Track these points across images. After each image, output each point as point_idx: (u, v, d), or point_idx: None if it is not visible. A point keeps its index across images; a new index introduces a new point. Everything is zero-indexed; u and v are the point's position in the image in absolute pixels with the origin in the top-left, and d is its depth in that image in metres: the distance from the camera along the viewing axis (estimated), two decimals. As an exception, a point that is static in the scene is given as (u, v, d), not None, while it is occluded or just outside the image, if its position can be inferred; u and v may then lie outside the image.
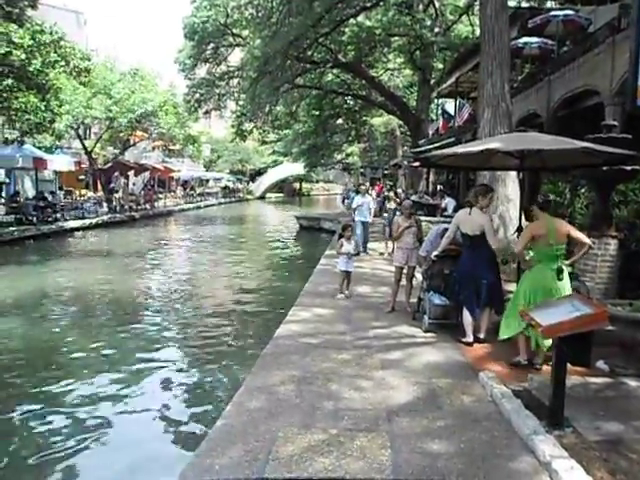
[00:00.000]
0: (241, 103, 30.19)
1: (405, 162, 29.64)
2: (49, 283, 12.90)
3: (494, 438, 3.97)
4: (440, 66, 25.41)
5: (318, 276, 10.74)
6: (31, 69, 14.75)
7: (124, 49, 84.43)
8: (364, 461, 3.59)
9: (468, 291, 6.19)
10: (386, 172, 40.27)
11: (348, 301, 8.36)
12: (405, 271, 7.91)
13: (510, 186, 10.61)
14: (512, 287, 6.62)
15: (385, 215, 14.62)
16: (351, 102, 33.97)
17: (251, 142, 50.46)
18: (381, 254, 13.27)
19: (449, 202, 17.67)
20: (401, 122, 31.68)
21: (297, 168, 52.59)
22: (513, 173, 10.31)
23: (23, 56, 14.11)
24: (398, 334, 6.75)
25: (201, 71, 31.33)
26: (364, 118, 36.31)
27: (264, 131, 37.78)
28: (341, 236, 8.71)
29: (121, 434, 5.31)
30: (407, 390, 4.89)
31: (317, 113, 32.53)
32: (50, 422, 5.51)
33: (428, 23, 22.08)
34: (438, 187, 23.73)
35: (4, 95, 15.66)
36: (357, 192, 16.02)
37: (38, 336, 8.50)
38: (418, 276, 8.05)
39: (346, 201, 30.98)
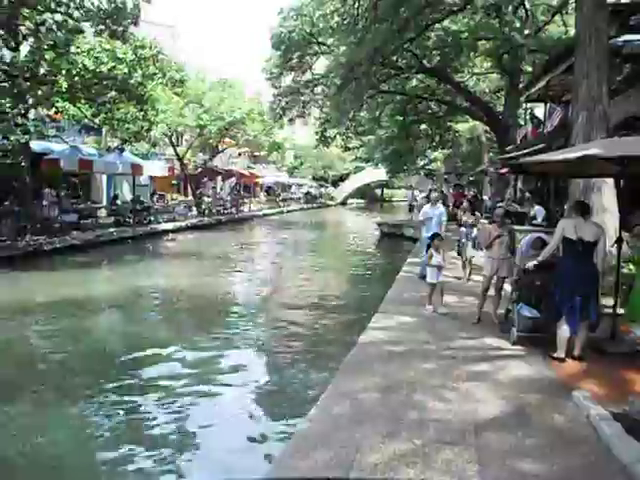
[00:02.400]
0: (325, 110, 30.55)
1: (491, 169, 28.70)
2: (142, 281, 13.68)
3: (591, 463, 3.77)
4: (529, 69, 24.43)
5: (401, 283, 10.65)
6: (132, 82, 15.78)
7: (213, 59, 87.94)
8: (450, 475, 3.53)
9: (571, 304, 5.81)
10: (471, 179, 39.21)
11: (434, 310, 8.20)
12: (494, 281, 7.66)
13: (607, 195, 9.98)
14: (606, 301, 6.27)
15: (462, 230, 11.30)
16: (435, 107, 33.37)
17: (334, 148, 50.89)
18: (458, 279, 10.92)
19: (538, 210, 16.91)
20: (487, 128, 30.75)
21: (379, 174, 52.41)
22: (610, 181, 9.70)
23: (126, 70, 15.14)
24: (484, 346, 6.57)
25: (287, 79, 32.03)
26: (449, 124, 35.57)
27: (347, 137, 37.98)
28: (429, 246, 8.44)
29: (204, 432, 5.41)
30: (494, 404, 4.74)
31: (401, 119, 32.25)
32: (135, 417, 5.75)
33: (518, 25, 21.30)
34: (527, 195, 22.79)
35: (108, 106, 16.85)
36: (428, 200, 13.62)
37: (131, 330, 9.03)
38: (506, 287, 7.78)
39: (415, 210, 29.68)
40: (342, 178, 65.83)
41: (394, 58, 23.03)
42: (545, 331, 6.36)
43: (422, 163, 48.97)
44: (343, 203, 61.22)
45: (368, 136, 40.59)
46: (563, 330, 5.89)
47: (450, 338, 6.79)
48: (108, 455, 4.91)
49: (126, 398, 6.08)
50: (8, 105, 13.98)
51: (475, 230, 10.79)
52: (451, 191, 32.07)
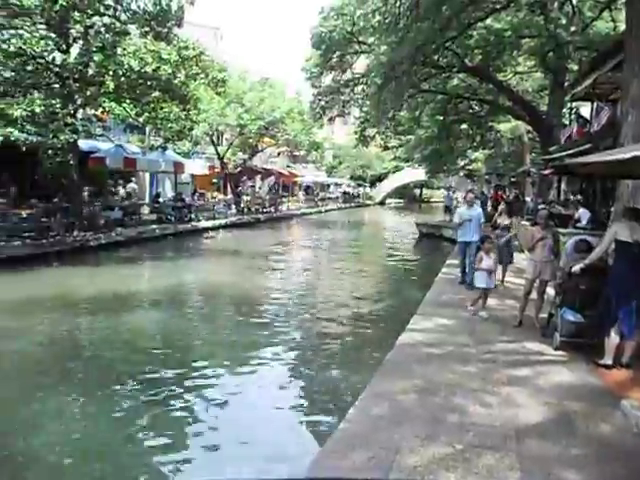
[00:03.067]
0: (365, 109, 30.45)
1: (533, 170, 28.04)
2: (182, 277, 13.99)
3: None
4: (575, 67, 23.73)
5: (440, 285, 10.53)
6: (176, 82, 16.10)
7: (255, 59, 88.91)
8: (491, 481, 3.47)
9: (627, 309, 5.63)
10: (513, 180, 38.40)
11: (474, 312, 8.07)
12: (536, 284, 7.50)
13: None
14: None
15: (497, 232, 10.43)
16: (477, 107, 32.82)
17: (373, 148, 50.71)
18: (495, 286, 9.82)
19: (583, 213, 16.40)
20: (530, 128, 30.06)
21: (418, 174, 51.91)
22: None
23: (170, 70, 15.44)
24: (526, 350, 6.44)
25: (326, 79, 32.08)
26: (490, 124, 34.90)
27: (387, 137, 37.79)
28: (479, 249, 8.24)
29: (243, 429, 5.46)
30: (536, 410, 4.65)
31: (441, 118, 31.84)
32: (174, 409, 5.85)
33: (564, 22, 20.72)
34: (572, 197, 22.16)
35: (152, 106, 17.24)
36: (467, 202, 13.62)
37: (171, 325, 9.22)
38: (549, 291, 7.61)
39: (451, 211, 29.17)
40: (380, 178, 65.52)
41: (435, 57, 22.76)
42: (589, 337, 6.19)
43: (462, 163, 48.29)
44: (381, 203, 60.95)
45: (408, 136, 40.28)
46: (614, 336, 5.71)
47: (490, 341, 6.69)
48: (146, 444, 5.03)
49: (164, 389, 6.21)
50: (58, 106, 14.47)
51: (507, 235, 10.34)
52: (491, 192, 31.50)
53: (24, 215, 15.49)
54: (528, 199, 26.93)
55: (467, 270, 9.99)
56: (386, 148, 51.22)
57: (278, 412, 5.83)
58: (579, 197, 20.97)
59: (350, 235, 27.66)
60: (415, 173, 54.30)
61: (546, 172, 19.73)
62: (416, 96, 27.70)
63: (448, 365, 5.73)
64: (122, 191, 21.96)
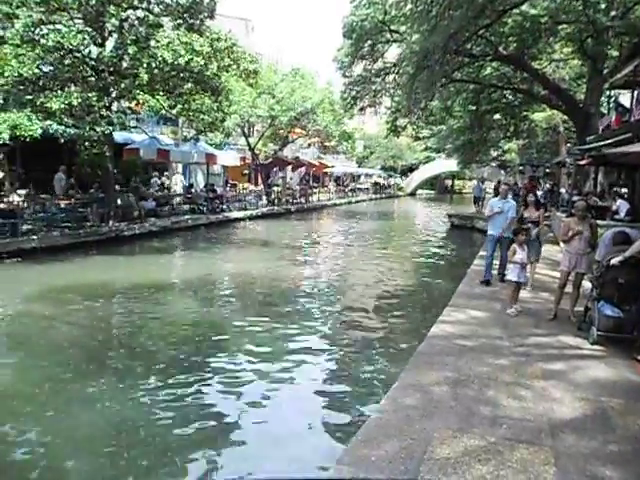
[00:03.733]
0: (396, 99, 30.15)
1: (569, 160, 27.35)
2: (215, 267, 14.22)
3: (679, 471, 3.57)
4: (615, 54, 23.00)
5: (472, 277, 10.40)
6: (208, 73, 16.21)
7: (286, 51, 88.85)
8: (525, 475, 3.45)
9: None
10: (547, 171, 37.56)
11: (505, 305, 7.94)
12: (571, 277, 7.34)
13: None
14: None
15: (530, 226, 8.82)
16: (510, 96, 32.14)
17: (404, 138, 50.26)
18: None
19: (621, 205, 15.97)
20: (566, 117, 29.31)
21: (450, 165, 51.25)
22: None
23: (202, 62, 15.54)
24: (561, 344, 6.33)
25: (358, 68, 31.85)
26: (524, 113, 34.13)
27: (418, 127, 37.37)
28: (512, 241, 7.96)
29: (269, 416, 5.55)
30: (572, 405, 4.58)
31: (473, 108, 31.29)
32: (206, 397, 5.95)
33: (603, 6, 20.07)
34: (610, 188, 21.57)
35: (185, 97, 17.41)
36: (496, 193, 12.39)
37: (204, 313, 9.37)
38: (585, 284, 7.45)
39: (480, 202, 28.71)
40: (411, 168, 64.92)
41: (468, 45, 22.34)
42: (628, 331, 6.05)
43: (495, 154, 47.48)
44: (412, 194, 60.44)
45: (439, 126, 39.78)
46: None
47: (524, 335, 6.59)
48: (177, 431, 5.13)
49: (197, 377, 6.33)
50: (94, 99, 14.75)
51: (535, 229, 9.06)
52: (523, 182, 30.91)
53: (62, 206, 15.91)
54: (563, 190, 26.33)
55: (497, 266, 9.55)
56: (417, 138, 50.71)
57: (307, 402, 5.89)
58: (619, 189, 20.41)
59: (380, 226, 27.55)
60: (446, 164, 53.66)
61: (583, 162, 19.23)
62: (448, 86, 27.28)
63: (480, 358, 5.68)
64: (158, 181, 22.28)
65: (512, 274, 7.60)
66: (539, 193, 26.48)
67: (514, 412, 4.38)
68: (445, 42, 17.86)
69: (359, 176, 55.34)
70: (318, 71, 32.72)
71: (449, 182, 70.78)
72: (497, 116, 35.50)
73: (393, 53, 31.46)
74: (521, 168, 43.75)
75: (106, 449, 4.78)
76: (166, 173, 23.03)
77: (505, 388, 4.87)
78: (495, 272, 9.66)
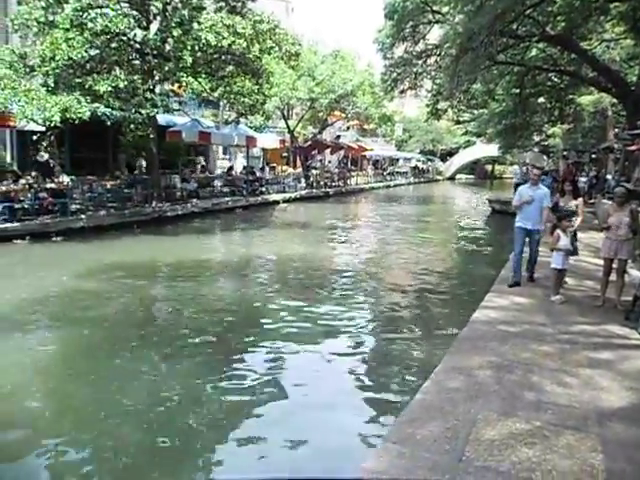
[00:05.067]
0: (438, 82, 29.63)
1: (617, 145, 26.42)
2: (254, 248, 14.47)
3: None
4: (672, 32, 21.97)
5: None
6: (250, 56, 16.30)
7: (326, 32, 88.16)
8: (572, 460, 3.45)
9: None
10: (593, 157, 36.36)
11: (548, 292, 7.81)
12: (615, 265, 7.18)
13: None
14: None
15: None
16: (556, 79, 31.10)
17: (444, 122, 49.40)
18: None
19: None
20: (615, 100, 28.22)
21: (490, 149, 50.20)
22: None
23: (244, 44, 15.63)
24: (607, 333, 6.22)
25: (398, 50, 31.38)
26: (570, 96, 33.01)
27: (459, 110, 36.66)
28: (555, 227, 7.70)
29: (312, 396, 5.61)
30: (619, 394, 4.52)
31: (517, 91, 30.45)
32: (247, 375, 6.01)
33: (660, -17, 19.17)
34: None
35: (226, 80, 17.57)
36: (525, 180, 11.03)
37: (243, 294, 9.53)
38: (633, 272, 7.27)
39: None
40: (451, 152, 63.89)
41: (514, 26, 21.70)
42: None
43: (538, 139, 46.22)
44: (451, 178, 59.61)
45: (481, 109, 38.92)
46: None
47: (569, 322, 6.51)
48: (215, 406, 5.29)
49: (238, 355, 6.51)
50: (139, 81, 15.04)
51: (574, 218, 7.98)
52: (564, 167, 30.07)
53: (108, 186, 16.38)
54: (609, 177, 25.51)
55: (528, 263, 8.46)
56: (458, 122, 49.71)
57: (347, 382, 5.96)
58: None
59: (418, 210, 27.33)
60: (487, 148, 52.61)
61: (632, 148, 18.61)
62: (492, 68, 26.61)
63: (524, 344, 5.64)
64: (203, 162, 22.64)
65: (556, 261, 7.45)
66: (582, 179, 25.72)
67: (559, 398, 4.36)
68: (491, 23, 17.40)
69: (398, 160, 54.85)
70: (358, 53, 32.30)
71: (489, 167, 69.43)
72: (541, 99, 34.46)
73: (435, 34, 30.83)
74: (565, 153, 42.52)
75: (155, 417, 4.97)
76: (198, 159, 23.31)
77: (550, 374, 4.84)
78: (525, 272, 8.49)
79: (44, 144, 16.99)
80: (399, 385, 5.89)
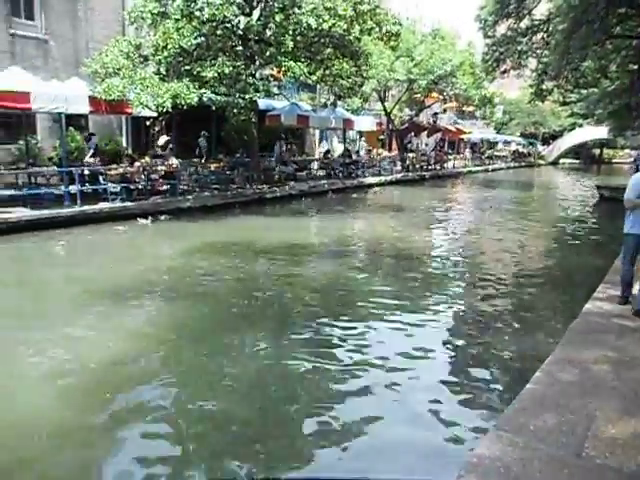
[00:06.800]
0: (544, 60, 28.00)
1: None
2: (350, 230, 14.65)
3: None
4: None
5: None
6: (350, 38, 16.26)
7: (423, 11, 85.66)
8: None
9: None
10: None
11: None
12: None
13: None
14: None
15: None
16: (681, 53, 28.36)
17: (548, 103, 46.64)
18: None
19: None
20: None
21: (599, 132, 46.84)
22: None
23: (344, 26, 15.60)
24: None
25: (501, 28, 29.95)
26: (699, 71, 30.00)
27: (566, 90, 34.42)
28: None
29: (401, 384, 5.43)
30: None
31: (635, 67, 28.14)
32: (332, 357, 5.97)
33: None
34: None
35: (325, 63, 17.66)
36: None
37: (338, 276, 9.52)
38: None
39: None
40: (554, 136, 60.32)
41: (635, -5, 19.96)
42: None
43: (657, 119, 42.45)
44: (554, 163, 56.39)
45: (590, 89, 36.28)
46: None
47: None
48: (319, 380, 5.35)
49: (332, 337, 6.51)
50: (242, 67, 15.51)
51: None
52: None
53: (212, 169, 17.16)
54: None
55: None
56: (564, 103, 46.66)
57: (443, 367, 5.87)
58: None
59: (518, 196, 26.17)
60: (595, 131, 49.18)
61: None
62: (606, 42, 24.72)
63: (645, 339, 5.30)
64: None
65: None
66: None
67: (689, 400, 4.07)
68: (610, -8, 16.14)
69: (497, 143, 52.69)
70: (458, 32, 31.18)
71: (597, 151, 64.85)
72: (663, 76, 31.58)
73: (542, 9, 29.10)
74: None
75: (258, 393, 5.17)
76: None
77: (677, 374, 4.52)
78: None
79: (156, 129, 18.05)
80: (503, 375, 5.73)
